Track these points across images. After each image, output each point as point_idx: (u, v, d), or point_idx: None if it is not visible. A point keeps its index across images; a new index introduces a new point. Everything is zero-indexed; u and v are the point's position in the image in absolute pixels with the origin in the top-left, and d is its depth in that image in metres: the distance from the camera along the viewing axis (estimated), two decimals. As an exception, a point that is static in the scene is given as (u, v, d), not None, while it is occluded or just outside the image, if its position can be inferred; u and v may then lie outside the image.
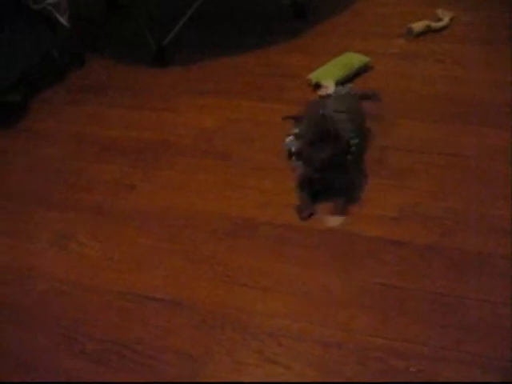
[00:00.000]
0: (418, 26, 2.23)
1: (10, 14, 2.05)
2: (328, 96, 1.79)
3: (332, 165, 1.48)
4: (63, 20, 2.22)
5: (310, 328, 1.24)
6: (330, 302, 1.29)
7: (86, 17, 2.67)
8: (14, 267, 1.49)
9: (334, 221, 1.49)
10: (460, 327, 1.20)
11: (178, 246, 1.48)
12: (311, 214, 1.51)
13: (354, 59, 2.04)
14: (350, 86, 1.86)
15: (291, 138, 1.67)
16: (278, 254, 1.42)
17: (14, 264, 1.50)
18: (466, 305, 1.24)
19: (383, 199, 1.52)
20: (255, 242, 1.45)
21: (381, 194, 1.54)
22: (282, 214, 1.52)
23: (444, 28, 2.27)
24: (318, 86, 1.95)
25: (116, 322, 1.31)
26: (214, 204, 1.59)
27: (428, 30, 2.25)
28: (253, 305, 1.30)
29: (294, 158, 1.62)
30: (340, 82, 1.91)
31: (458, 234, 1.40)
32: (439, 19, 2.29)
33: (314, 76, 1.99)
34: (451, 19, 2.30)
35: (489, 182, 1.54)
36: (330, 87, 1.88)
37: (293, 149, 1.63)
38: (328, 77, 1.94)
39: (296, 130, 1.66)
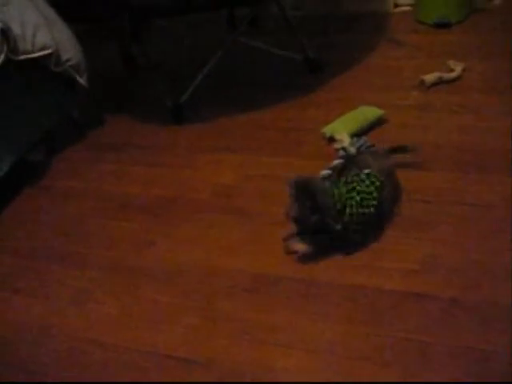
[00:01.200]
0: (431, 77, 2.26)
1: (33, 75, 2.11)
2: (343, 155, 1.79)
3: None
4: (82, 81, 2.28)
5: (333, 386, 1.22)
6: (353, 357, 1.27)
7: (104, 77, 2.74)
8: (34, 325, 1.49)
9: (301, 247, 1.50)
10: (488, 380, 1.17)
11: (196, 303, 1.47)
12: (295, 252, 1.53)
13: (369, 112, 2.06)
14: (364, 138, 1.87)
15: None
16: (299, 310, 1.40)
17: (34, 322, 1.50)
18: (493, 359, 1.21)
19: (403, 251, 1.51)
20: (275, 298, 1.44)
21: (401, 246, 1.53)
22: (302, 268, 1.51)
23: (456, 79, 2.29)
24: (332, 139, 1.97)
25: (135, 382, 1.30)
26: (232, 260, 1.59)
27: (440, 81, 2.27)
28: (273, 362, 1.28)
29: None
30: (354, 135, 1.92)
31: (482, 285, 1.38)
32: (451, 70, 2.32)
33: (327, 130, 2.01)
34: (463, 70, 2.33)
35: (509, 231, 1.52)
36: (344, 140, 1.89)
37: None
38: (342, 130, 1.96)
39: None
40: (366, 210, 1.52)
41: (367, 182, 1.56)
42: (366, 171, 1.58)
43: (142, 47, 2.48)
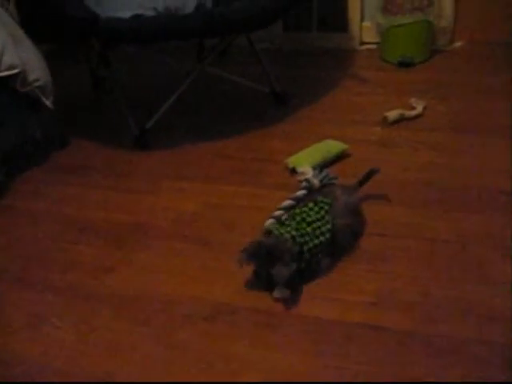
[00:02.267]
0: (393, 114, 2.32)
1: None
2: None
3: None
4: (48, 102, 2.26)
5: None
6: (309, 389, 1.27)
7: (70, 99, 2.73)
8: (-14, 350, 1.46)
9: (281, 293, 1.50)
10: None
11: (154, 331, 1.45)
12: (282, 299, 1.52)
13: (332, 146, 2.10)
14: (327, 171, 1.91)
15: (272, 220, 1.69)
16: (257, 340, 1.40)
17: (-14, 347, 1.47)
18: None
19: (361, 284, 1.53)
20: (233, 328, 1.44)
21: (358, 279, 1.55)
22: (262, 299, 1.51)
23: (417, 116, 2.36)
24: (294, 170, 2.00)
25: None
26: (191, 288, 1.58)
27: (402, 119, 2.34)
28: (230, 393, 1.28)
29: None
30: (317, 168, 1.95)
31: (437, 319, 1.41)
32: (413, 108, 2.39)
33: (291, 161, 2.04)
34: (424, 108, 2.40)
35: (466, 267, 1.56)
36: (307, 172, 1.92)
37: (274, 232, 1.64)
38: (305, 162, 1.99)
39: (276, 213, 1.68)
40: (322, 238, 1.54)
41: (316, 209, 1.58)
42: (314, 199, 1.61)
43: (110, 71, 2.48)
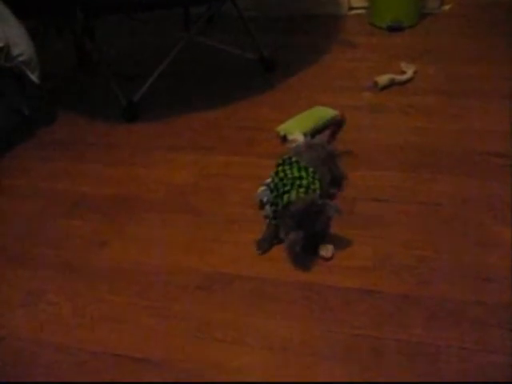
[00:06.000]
0: (383, 79, 2.30)
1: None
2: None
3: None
4: (34, 77, 2.23)
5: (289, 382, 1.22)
6: (308, 354, 1.27)
7: (56, 73, 2.68)
8: (-18, 328, 1.45)
9: (330, 249, 1.52)
10: (438, 377, 1.19)
11: (150, 303, 1.45)
12: (268, 249, 1.54)
13: (323, 113, 2.08)
14: (319, 136, 1.89)
15: (263, 188, 1.69)
16: (253, 308, 1.40)
17: (-18, 325, 1.46)
18: (443, 353, 1.24)
19: (356, 250, 1.53)
20: (229, 297, 1.44)
21: (353, 244, 1.55)
22: (257, 266, 1.51)
23: (408, 81, 2.34)
24: (285, 138, 1.99)
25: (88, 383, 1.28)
26: (186, 259, 1.58)
27: (393, 83, 2.32)
28: (229, 361, 1.28)
29: (266, 207, 1.64)
30: (308, 135, 1.94)
31: (433, 282, 1.41)
32: (403, 72, 2.37)
33: (281, 128, 2.02)
34: (414, 72, 2.38)
35: (461, 230, 1.56)
36: (297, 139, 1.90)
37: (265, 199, 1.65)
38: (295, 129, 1.97)
39: (268, 181, 1.67)
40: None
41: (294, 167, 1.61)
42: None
43: (95, 44, 2.44)
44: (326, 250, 1.52)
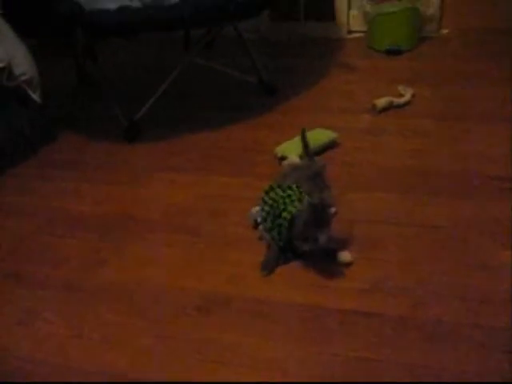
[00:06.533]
0: (381, 102, 2.32)
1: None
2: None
3: None
4: (35, 96, 2.25)
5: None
6: (303, 376, 1.27)
7: (57, 94, 2.70)
8: (-22, 346, 1.45)
9: (346, 256, 1.54)
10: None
11: (148, 323, 1.45)
12: (273, 271, 1.55)
13: (322, 135, 2.10)
14: (314, 159, 1.90)
15: (257, 208, 1.69)
16: (250, 329, 1.40)
17: (-22, 343, 1.46)
18: (441, 377, 1.23)
19: (354, 271, 1.53)
20: (227, 318, 1.44)
21: (350, 266, 1.55)
22: (255, 287, 1.51)
23: (406, 104, 2.36)
24: (283, 159, 2.00)
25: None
26: (184, 279, 1.58)
27: (391, 106, 2.34)
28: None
29: (260, 227, 1.65)
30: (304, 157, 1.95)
31: (430, 305, 1.41)
32: (401, 95, 2.39)
33: (279, 150, 2.04)
34: (412, 95, 2.40)
35: (458, 252, 1.57)
36: (293, 161, 1.92)
37: (258, 219, 1.66)
38: (293, 151, 1.99)
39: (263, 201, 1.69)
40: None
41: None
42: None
43: (96, 64, 2.46)
44: (345, 256, 1.54)
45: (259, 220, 1.66)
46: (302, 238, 1.52)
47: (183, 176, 2.03)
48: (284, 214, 1.54)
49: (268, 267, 1.56)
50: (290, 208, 1.54)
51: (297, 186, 1.61)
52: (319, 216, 1.47)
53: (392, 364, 1.27)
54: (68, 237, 1.79)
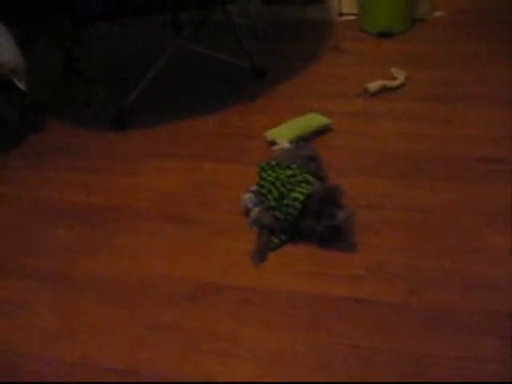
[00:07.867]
0: (374, 85, 2.29)
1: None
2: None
3: None
4: (21, 85, 2.20)
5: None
6: (297, 365, 1.25)
7: (43, 81, 2.65)
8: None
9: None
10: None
11: (138, 313, 1.42)
12: (264, 260, 1.53)
13: (314, 120, 2.06)
14: (304, 143, 1.88)
15: (248, 195, 1.67)
16: (243, 318, 1.37)
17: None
18: (436, 363, 1.22)
19: (347, 258, 1.51)
20: (218, 306, 1.41)
21: (345, 253, 1.52)
22: (246, 275, 1.49)
23: (399, 87, 2.33)
24: (273, 143, 1.97)
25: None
26: (175, 268, 1.55)
27: (384, 89, 2.30)
28: (218, 372, 1.25)
29: (251, 214, 1.63)
30: (293, 141, 1.92)
31: (425, 290, 1.39)
32: (394, 78, 2.36)
33: (269, 134, 2.01)
34: (406, 78, 2.36)
35: (453, 237, 1.55)
36: (283, 145, 1.89)
37: (249, 205, 1.63)
38: (282, 135, 1.96)
39: (253, 188, 1.66)
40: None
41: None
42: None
43: (83, 50, 2.42)
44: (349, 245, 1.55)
45: (250, 206, 1.64)
46: (318, 217, 1.51)
47: (173, 163, 2.00)
48: (295, 195, 1.53)
49: (259, 256, 1.54)
50: (299, 189, 1.54)
51: (298, 167, 1.59)
52: (335, 194, 1.50)
53: (386, 351, 1.25)
54: (55, 227, 1.76)
